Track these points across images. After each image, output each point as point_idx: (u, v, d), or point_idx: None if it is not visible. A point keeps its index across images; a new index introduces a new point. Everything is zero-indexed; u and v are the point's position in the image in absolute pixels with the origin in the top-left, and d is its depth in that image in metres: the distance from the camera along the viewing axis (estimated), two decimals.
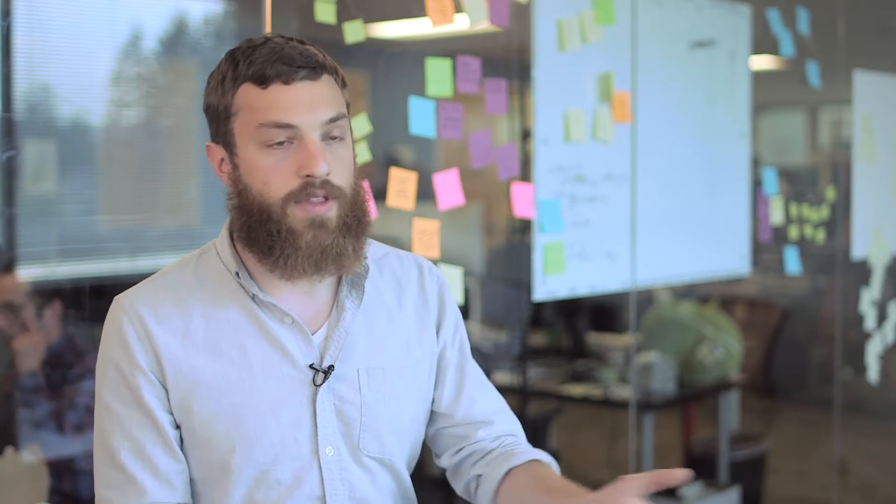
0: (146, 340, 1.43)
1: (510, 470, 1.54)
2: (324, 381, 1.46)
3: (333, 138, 1.44)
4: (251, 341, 1.46)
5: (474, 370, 1.65)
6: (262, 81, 1.40)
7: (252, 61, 1.41)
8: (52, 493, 2.61)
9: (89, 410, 2.70)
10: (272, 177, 1.41)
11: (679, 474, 1.32)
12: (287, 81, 1.40)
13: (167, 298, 1.46)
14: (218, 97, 1.44)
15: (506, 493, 1.53)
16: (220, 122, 1.45)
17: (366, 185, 1.55)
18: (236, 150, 1.44)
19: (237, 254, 1.49)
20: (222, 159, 1.47)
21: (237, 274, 1.47)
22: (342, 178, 1.44)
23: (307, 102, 1.41)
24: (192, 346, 1.44)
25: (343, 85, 1.48)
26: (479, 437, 1.61)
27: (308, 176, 1.40)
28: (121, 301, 1.47)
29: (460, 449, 1.62)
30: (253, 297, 1.47)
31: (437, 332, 1.61)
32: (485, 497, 1.56)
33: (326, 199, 1.42)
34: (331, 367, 1.47)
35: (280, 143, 1.41)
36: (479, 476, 1.58)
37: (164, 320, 1.45)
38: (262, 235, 1.42)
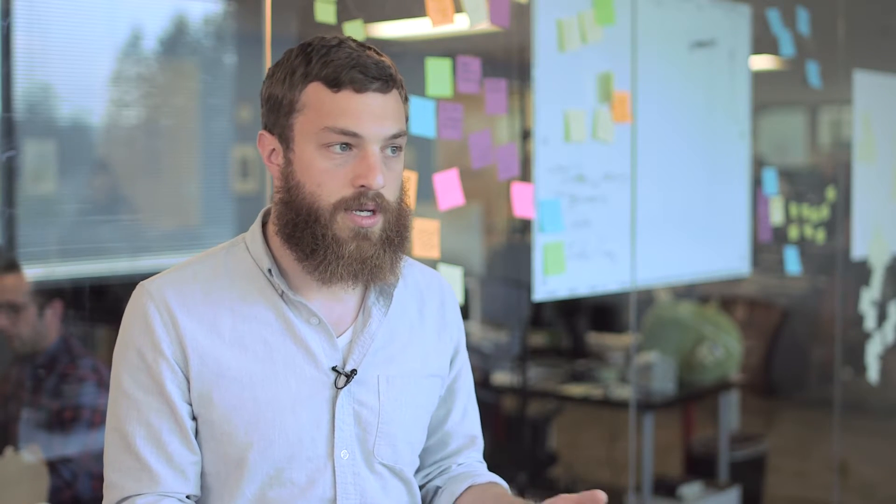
0: (172, 328, 1.43)
1: (471, 486, 1.60)
2: (345, 385, 1.47)
3: (391, 152, 1.45)
4: (276, 338, 1.46)
5: (473, 393, 1.70)
6: (335, 85, 1.41)
7: (327, 62, 1.41)
8: (52, 493, 2.61)
9: (83, 414, 2.70)
10: (327, 180, 1.41)
11: (599, 496, 1.36)
12: (359, 90, 1.41)
13: (195, 289, 1.47)
14: (284, 90, 1.44)
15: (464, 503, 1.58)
16: (280, 114, 1.45)
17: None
18: (293, 146, 1.44)
19: (270, 250, 1.49)
20: (273, 150, 1.48)
21: (269, 271, 1.47)
22: (392, 192, 1.46)
23: (375, 114, 1.41)
24: (219, 339, 1.44)
25: (405, 100, 1.49)
26: (452, 461, 1.67)
27: (362, 186, 1.41)
28: (147, 287, 1.47)
29: (434, 469, 1.67)
30: (281, 295, 1.47)
31: (456, 355, 1.65)
32: None
33: (374, 211, 1.43)
34: (353, 371, 1.47)
35: (341, 149, 1.41)
36: (439, 488, 1.64)
37: (192, 310, 1.45)
38: (306, 237, 1.43)
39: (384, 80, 1.42)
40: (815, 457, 5.10)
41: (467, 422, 1.67)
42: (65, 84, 2.74)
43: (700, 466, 4.48)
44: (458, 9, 2.61)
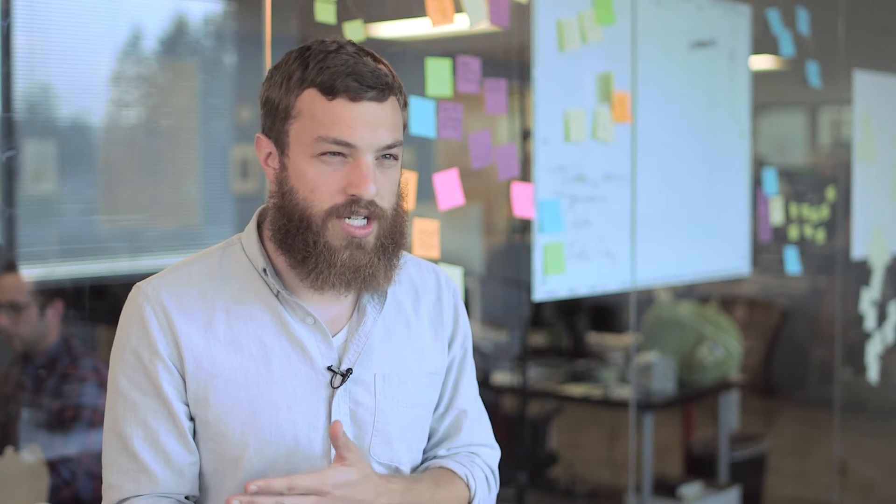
0: (168, 329, 1.43)
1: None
2: (341, 384, 1.47)
3: (386, 158, 1.44)
4: (272, 338, 1.46)
5: (469, 387, 1.66)
6: (330, 92, 1.40)
7: (323, 68, 1.40)
8: (51, 493, 2.61)
9: (84, 414, 2.70)
10: (320, 186, 1.41)
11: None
12: (354, 99, 1.40)
13: (191, 289, 1.47)
14: (280, 94, 1.44)
15: None
16: (276, 118, 1.45)
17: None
18: (288, 152, 1.44)
19: (265, 250, 1.49)
20: (269, 153, 1.47)
21: (264, 271, 1.47)
22: (387, 199, 1.45)
23: (369, 124, 1.40)
24: (214, 339, 1.44)
25: (404, 105, 1.48)
26: (438, 452, 1.63)
27: (354, 195, 1.40)
28: (143, 288, 1.47)
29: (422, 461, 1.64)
30: (277, 295, 1.47)
31: (449, 347, 1.63)
32: None
33: (368, 219, 1.42)
34: (349, 371, 1.47)
35: (334, 157, 1.41)
36: None
37: (188, 311, 1.45)
38: (298, 243, 1.43)
39: (380, 89, 1.41)
40: (815, 457, 5.11)
41: (449, 415, 1.63)
42: (65, 84, 2.74)
43: (700, 466, 4.48)
44: (458, 9, 2.61)
